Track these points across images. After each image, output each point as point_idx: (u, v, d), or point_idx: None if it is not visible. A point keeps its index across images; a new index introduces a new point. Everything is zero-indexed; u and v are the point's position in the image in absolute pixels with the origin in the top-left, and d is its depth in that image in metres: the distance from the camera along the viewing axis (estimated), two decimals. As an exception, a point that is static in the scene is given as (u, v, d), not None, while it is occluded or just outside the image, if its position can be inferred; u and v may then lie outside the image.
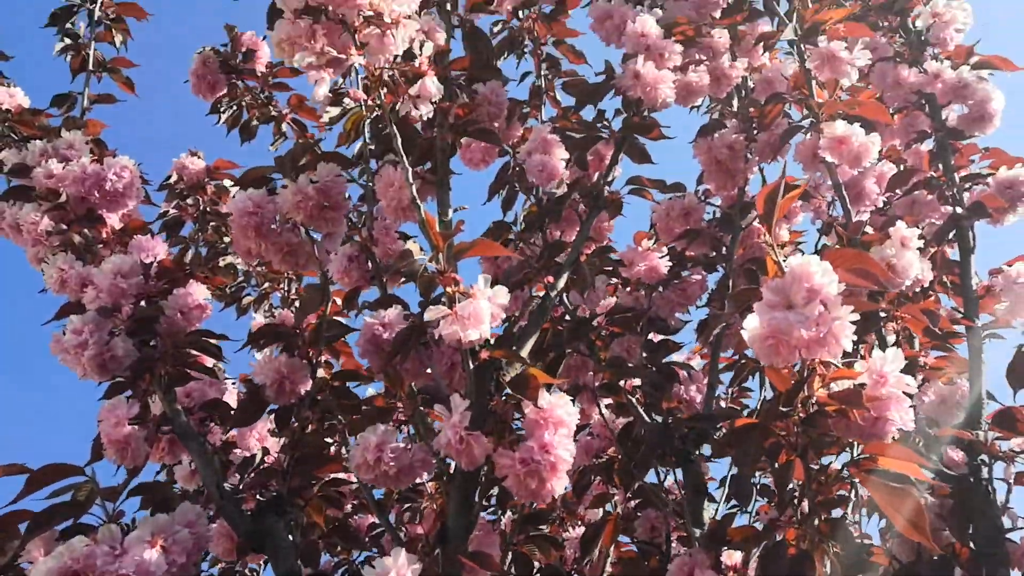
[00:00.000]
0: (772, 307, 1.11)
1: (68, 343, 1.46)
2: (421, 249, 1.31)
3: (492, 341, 1.37)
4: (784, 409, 1.12)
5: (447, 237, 1.28)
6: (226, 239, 2.80)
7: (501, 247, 1.47)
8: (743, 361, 2.04)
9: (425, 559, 1.20)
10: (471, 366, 1.33)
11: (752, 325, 1.13)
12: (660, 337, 2.02)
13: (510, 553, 2.10)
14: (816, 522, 1.12)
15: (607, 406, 2.05)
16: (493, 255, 1.51)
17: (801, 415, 1.12)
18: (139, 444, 1.38)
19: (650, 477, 1.96)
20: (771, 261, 1.19)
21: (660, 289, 2.03)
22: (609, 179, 1.81)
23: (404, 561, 1.10)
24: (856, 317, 1.12)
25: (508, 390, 1.28)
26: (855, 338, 1.12)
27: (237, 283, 2.74)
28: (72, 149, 1.81)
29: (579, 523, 2.40)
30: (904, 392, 1.17)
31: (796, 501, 1.22)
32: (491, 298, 1.28)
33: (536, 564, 2.11)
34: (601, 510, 2.39)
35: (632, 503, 1.96)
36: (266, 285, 2.65)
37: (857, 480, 1.13)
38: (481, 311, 1.24)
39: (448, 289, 1.28)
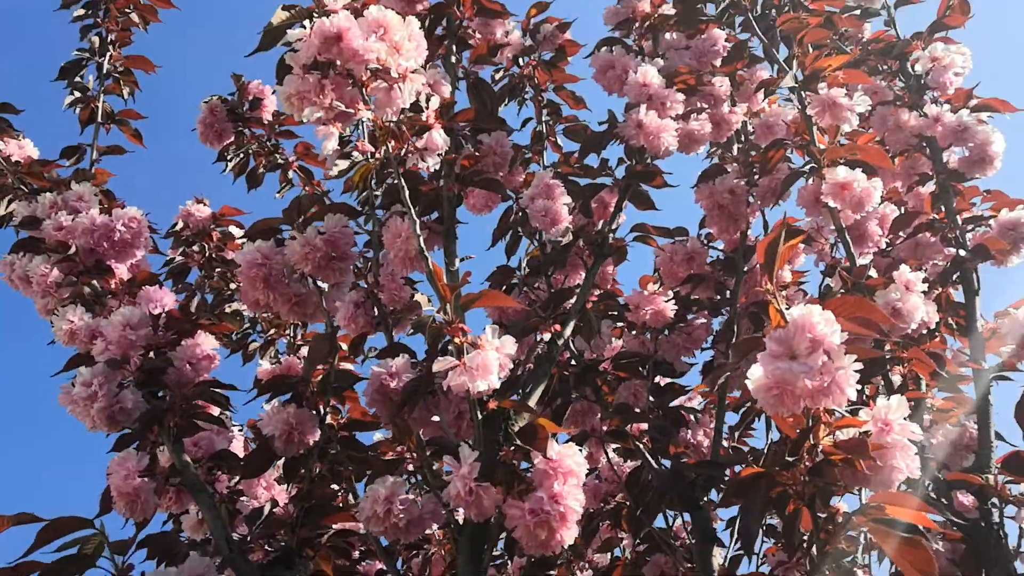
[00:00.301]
0: (775, 357, 1.12)
1: (78, 395, 1.47)
2: (428, 300, 1.33)
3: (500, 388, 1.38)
4: (790, 459, 1.12)
5: (454, 288, 1.30)
6: (232, 285, 2.82)
7: (508, 298, 1.48)
8: (749, 404, 2.04)
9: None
10: (479, 416, 1.33)
11: (756, 375, 1.14)
12: (666, 380, 2.03)
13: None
14: (825, 571, 1.12)
15: (614, 449, 2.05)
16: (499, 305, 1.53)
17: (807, 464, 1.12)
18: (148, 497, 1.38)
19: (658, 521, 1.96)
20: (774, 310, 1.20)
21: (666, 333, 2.03)
22: (614, 226, 1.82)
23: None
24: (859, 366, 1.12)
25: (517, 440, 1.28)
26: (859, 387, 1.12)
27: (243, 329, 2.75)
28: (81, 201, 1.83)
29: (587, 567, 2.39)
30: (910, 439, 1.17)
31: (804, 547, 1.21)
32: (499, 348, 1.29)
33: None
34: (609, 555, 2.38)
35: (641, 547, 1.96)
36: (272, 331, 2.66)
37: (866, 530, 1.12)
38: (489, 362, 1.24)
39: (456, 340, 1.29)
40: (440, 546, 2.10)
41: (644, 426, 1.93)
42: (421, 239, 1.39)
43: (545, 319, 1.71)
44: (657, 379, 2.01)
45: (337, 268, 1.56)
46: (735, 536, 1.99)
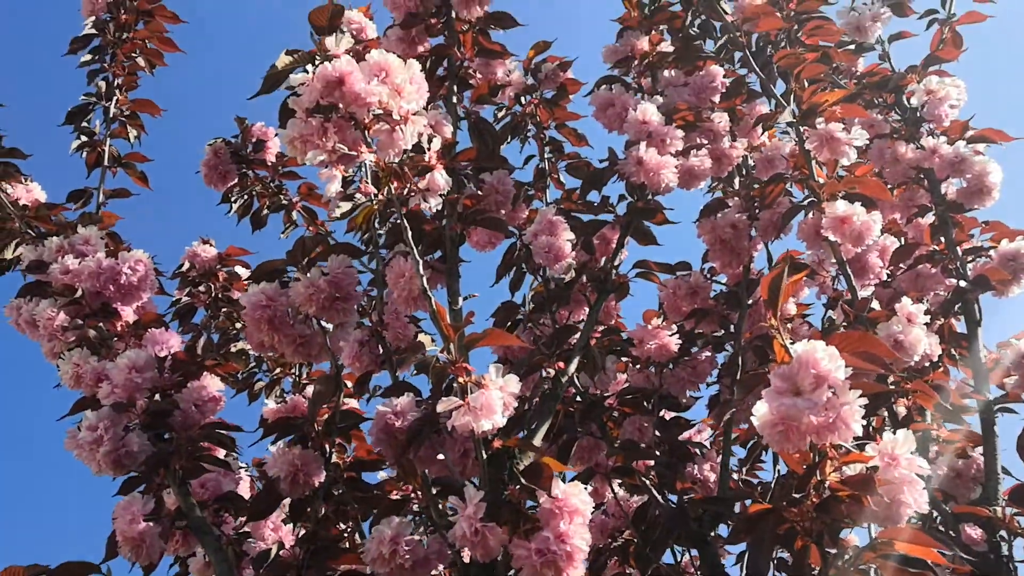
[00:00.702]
0: (780, 394, 1.12)
1: (83, 439, 1.47)
2: (432, 340, 1.33)
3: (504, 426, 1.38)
4: (797, 496, 1.12)
5: (458, 328, 1.30)
6: (238, 325, 2.83)
7: (511, 337, 1.49)
8: (756, 439, 2.03)
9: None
10: (484, 455, 1.33)
11: (761, 412, 1.14)
12: (672, 415, 2.03)
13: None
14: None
15: (620, 484, 2.04)
16: (503, 344, 1.53)
17: (814, 500, 1.12)
18: (154, 540, 1.38)
19: (667, 557, 1.95)
20: (778, 346, 1.20)
21: (670, 367, 2.04)
22: (616, 263, 1.83)
23: (421, 658, 1.09)
24: (864, 401, 1.13)
25: (522, 479, 1.28)
26: (864, 422, 1.13)
27: (249, 369, 2.75)
28: (88, 244, 1.85)
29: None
30: (917, 474, 1.17)
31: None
32: (502, 387, 1.29)
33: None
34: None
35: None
36: (277, 370, 2.66)
37: (875, 566, 1.12)
38: (493, 401, 1.25)
39: (460, 379, 1.29)
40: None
41: (650, 462, 1.93)
42: (424, 279, 1.39)
43: (549, 356, 1.71)
44: (662, 413, 2.02)
45: (341, 308, 1.57)
46: (744, 572, 1.98)
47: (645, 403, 1.96)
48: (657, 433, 1.96)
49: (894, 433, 1.17)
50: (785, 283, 1.25)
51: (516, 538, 1.26)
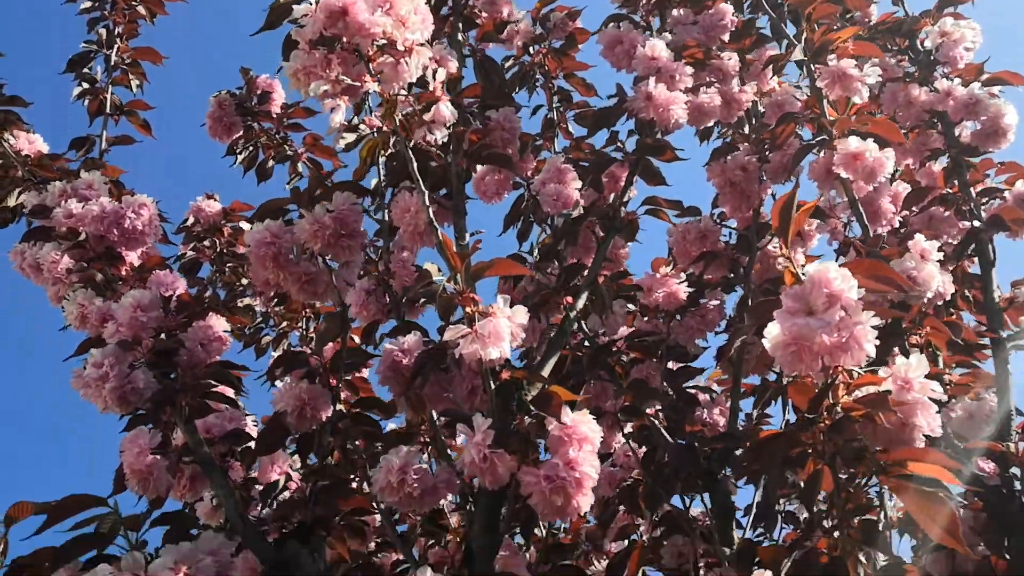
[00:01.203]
0: (793, 314, 1.11)
1: (89, 376, 1.46)
2: (439, 270, 1.31)
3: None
4: (809, 417, 1.11)
5: (464, 257, 1.29)
6: (244, 280, 2.82)
7: (520, 266, 1.46)
8: (765, 384, 2.02)
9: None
10: (492, 386, 1.32)
11: (773, 333, 1.12)
12: (680, 365, 2.01)
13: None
14: (847, 528, 1.10)
15: (628, 435, 2.03)
16: (512, 275, 1.51)
17: (827, 422, 1.11)
18: (161, 474, 1.37)
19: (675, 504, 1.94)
20: (789, 272, 1.19)
21: (678, 317, 2.02)
22: (625, 200, 1.81)
23: (430, 579, 1.08)
24: (877, 321, 1.11)
25: (531, 408, 1.27)
26: (877, 350, 1.10)
27: (255, 324, 2.75)
28: (91, 189, 1.83)
29: (604, 558, 2.36)
30: (930, 398, 1.15)
31: (825, 518, 1.20)
32: (510, 317, 1.28)
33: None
34: (627, 542, 2.36)
35: (658, 531, 1.93)
36: (284, 324, 2.65)
37: (888, 488, 1.10)
38: (501, 329, 1.23)
39: (467, 309, 1.28)
40: (456, 534, 2.08)
41: (659, 407, 1.91)
42: (431, 211, 1.38)
43: (557, 291, 1.69)
44: (670, 364, 2.00)
45: (347, 246, 1.56)
46: (753, 518, 1.96)
47: (654, 350, 1.93)
48: (665, 383, 1.94)
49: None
50: (797, 211, 1.24)
51: (525, 466, 1.24)
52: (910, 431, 1.13)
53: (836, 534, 1.10)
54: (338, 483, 1.52)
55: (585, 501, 1.23)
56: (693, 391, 1.93)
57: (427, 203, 1.37)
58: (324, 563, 1.41)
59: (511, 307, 1.28)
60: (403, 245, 1.86)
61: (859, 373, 1.15)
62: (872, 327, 1.10)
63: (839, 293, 1.09)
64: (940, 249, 1.66)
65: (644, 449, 1.99)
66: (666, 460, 1.70)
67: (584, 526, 2.58)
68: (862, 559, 1.09)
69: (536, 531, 2.20)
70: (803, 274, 1.13)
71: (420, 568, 1.10)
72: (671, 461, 1.62)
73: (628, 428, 1.98)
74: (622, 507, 2.02)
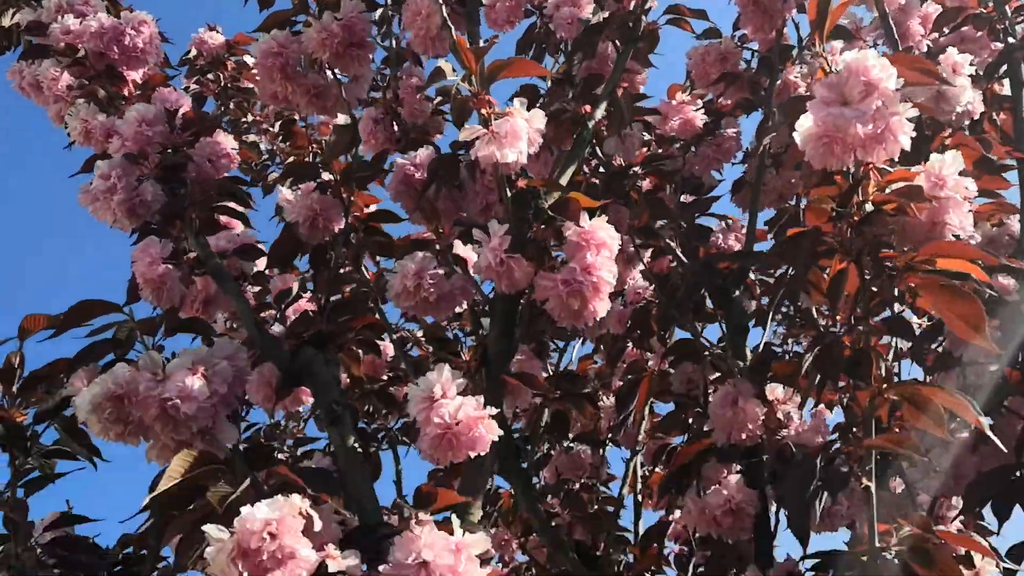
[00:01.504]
0: (827, 104, 1.06)
1: (97, 189, 1.43)
2: (452, 69, 1.26)
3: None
4: (839, 210, 1.07)
5: (479, 56, 1.23)
6: (249, 117, 2.76)
7: (538, 66, 1.41)
8: (781, 211, 1.98)
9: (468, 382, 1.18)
10: (508, 194, 1.28)
11: (805, 125, 1.08)
12: (693, 199, 1.98)
13: (545, 412, 2.10)
14: (871, 322, 1.08)
15: (643, 271, 2.01)
16: (530, 75, 1.46)
17: (856, 217, 1.08)
18: (175, 283, 1.36)
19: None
20: (822, 71, 1.13)
21: (693, 149, 1.97)
22: (646, 8, 1.73)
23: (448, 376, 1.07)
24: (915, 113, 1.06)
25: (549, 213, 1.24)
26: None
27: (262, 160, 2.71)
28: (87, 4, 1.75)
29: (612, 395, 2.39)
30: (963, 196, 1.12)
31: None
32: (528, 120, 1.23)
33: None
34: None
35: (666, 364, 1.93)
36: (290, 159, 2.61)
37: (914, 285, 1.08)
38: (519, 128, 1.19)
39: (483, 111, 1.23)
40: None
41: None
42: (444, 10, 1.31)
43: (575, 98, 1.64)
44: (684, 197, 1.97)
45: (356, 56, 1.50)
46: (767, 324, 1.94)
47: (671, 175, 1.89)
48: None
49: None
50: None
51: (542, 271, 1.23)
52: (940, 229, 1.10)
53: (860, 328, 1.08)
54: (351, 300, 1.51)
55: (602, 306, 1.22)
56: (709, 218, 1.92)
57: (440, 1, 1.30)
58: (337, 373, 1.40)
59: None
60: (412, 72, 1.79)
61: (889, 171, 1.11)
62: (908, 120, 1.06)
63: (877, 82, 1.05)
64: (971, 64, 1.60)
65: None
66: (681, 280, 1.69)
67: (592, 366, 2.60)
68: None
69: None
70: (840, 63, 1.07)
71: (438, 366, 1.09)
72: (687, 277, 1.60)
73: (642, 266, 1.96)
74: (630, 344, 2.02)
